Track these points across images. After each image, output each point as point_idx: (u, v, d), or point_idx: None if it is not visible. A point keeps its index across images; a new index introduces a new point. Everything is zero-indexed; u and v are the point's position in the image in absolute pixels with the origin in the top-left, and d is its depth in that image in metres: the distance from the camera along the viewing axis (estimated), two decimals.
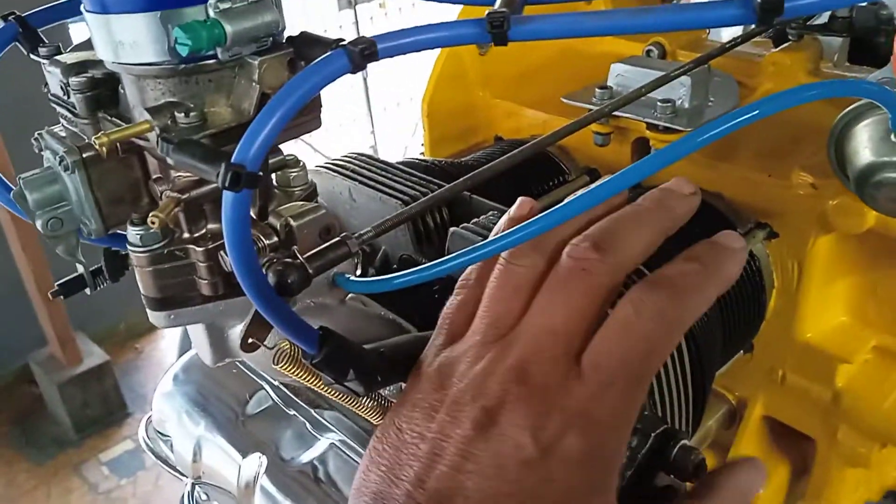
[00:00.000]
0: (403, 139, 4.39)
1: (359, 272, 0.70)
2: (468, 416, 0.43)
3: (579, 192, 0.50)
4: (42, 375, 3.11)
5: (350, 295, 0.67)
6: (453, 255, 0.55)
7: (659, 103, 0.81)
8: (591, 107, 0.87)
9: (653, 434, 0.55)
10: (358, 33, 4.14)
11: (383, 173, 0.81)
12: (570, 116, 0.95)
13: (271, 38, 0.50)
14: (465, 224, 0.72)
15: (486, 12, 0.48)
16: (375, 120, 4.42)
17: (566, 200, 0.52)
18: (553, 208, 0.52)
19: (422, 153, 1.08)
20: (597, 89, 0.87)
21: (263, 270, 0.49)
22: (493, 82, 1.04)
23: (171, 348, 3.45)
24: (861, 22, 0.85)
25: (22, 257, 2.83)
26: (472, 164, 0.91)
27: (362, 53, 0.45)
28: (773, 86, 0.90)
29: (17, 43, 0.62)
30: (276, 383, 0.76)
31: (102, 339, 3.26)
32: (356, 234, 0.55)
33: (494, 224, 0.72)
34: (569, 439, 0.41)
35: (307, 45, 0.50)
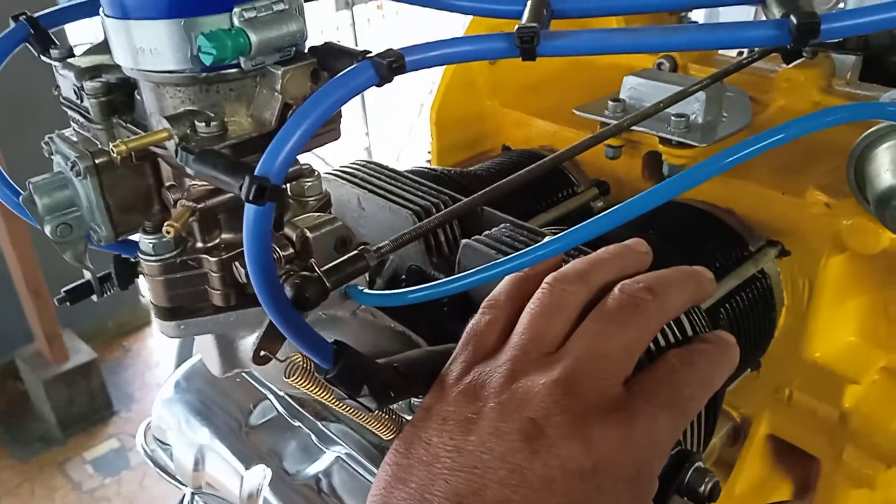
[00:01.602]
0: (398, 140, 4.38)
1: (367, 282, 0.69)
2: (514, 428, 0.42)
3: (608, 210, 0.49)
4: (28, 372, 3.08)
5: (360, 305, 0.66)
6: (471, 271, 0.54)
7: (673, 118, 0.80)
8: (603, 119, 0.86)
9: (670, 449, 0.54)
10: (355, 35, 4.12)
11: (393, 182, 0.79)
12: (579, 127, 0.95)
13: (294, 48, 0.49)
14: (476, 236, 0.71)
15: (516, 27, 0.47)
16: (370, 120, 4.41)
17: (590, 220, 0.51)
18: (578, 225, 0.51)
19: (428, 160, 1.07)
20: (609, 102, 0.86)
21: (280, 282, 0.48)
22: (502, 91, 1.03)
23: (159, 347, 3.42)
24: (876, 40, 0.85)
25: (11, 252, 2.80)
26: (482, 174, 0.90)
27: (390, 66, 0.44)
28: (785, 102, 0.89)
29: (27, 44, 0.60)
30: (280, 394, 0.75)
31: (90, 336, 3.23)
32: (374, 248, 0.55)
33: (506, 236, 0.71)
34: (624, 454, 0.42)
35: (331, 55, 0.49)
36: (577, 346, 0.46)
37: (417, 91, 4.13)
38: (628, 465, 0.42)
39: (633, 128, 0.82)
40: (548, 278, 0.50)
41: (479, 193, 0.63)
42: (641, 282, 0.49)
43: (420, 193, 0.77)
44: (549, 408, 0.42)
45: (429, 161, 1.06)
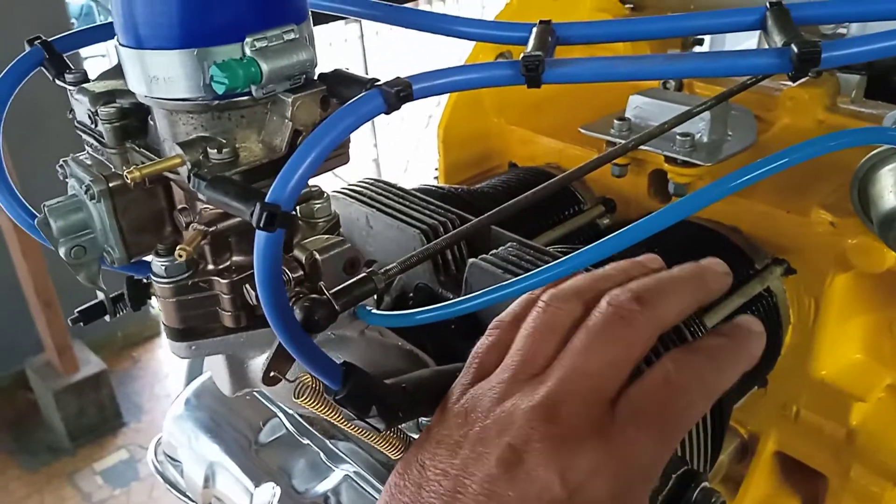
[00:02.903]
0: (406, 152, 4.39)
1: (375, 299, 0.70)
2: (493, 454, 0.42)
3: (617, 231, 0.50)
4: (38, 382, 3.09)
5: (369, 325, 0.66)
6: (478, 292, 0.55)
7: (678, 137, 0.81)
8: (608, 138, 0.87)
9: (674, 475, 0.54)
10: (363, 47, 4.15)
11: (401, 200, 0.80)
12: (585, 145, 0.96)
13: (304, 76, 0.50)
14: (483, 255, 0.72)
15: (521, 55, 0.48)
16: (378, 132, 4.43)
17: (598, 241, 0.52)
18: (587, 247, 0.52)
19: (435, 177, 1.08)
20: (615, 121, 0.87)
21: (290, 305, 0.49)
22: (509, 109, 1.04)
23: (168, 358, 3.44)
24: (880, 61, 0.86)
25: (22, 263, 2.82)
26: (489, 192, 0.91)
27: (398, 95, 0.45)
28: (790, 121, 0.90)
29: (42, 68, 0.61)
30: (290, 412, 0.76)
31: (100, 347, 3.25)
32: (382, 270, 0.55)
33: (513, 255, 0.72)
34: (598, 481, 0.41)
35: (340, 83, 0.50)
36: (560, 366, 0.45)
37: (425, 104, 4.14)
38: (605, 492, 0.41)
39: (639, 147, 0.82)
40: (543, 296, 0.49)
41: (486, 214, 0.63)
42: (631, 290, 0.47)
43: (427, 212, 0.78)
44: (528, 434, 0.42)
45: (436, 178, 1.07)
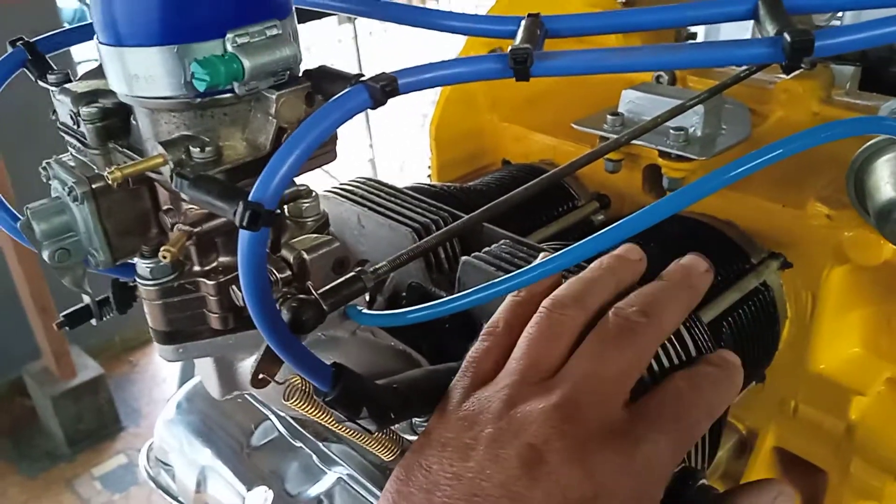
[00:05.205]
0: (402, 151, 4.38)
1: (367, 300, 0.69)
2: (513, 454, 0.42)
3: (610, 227, 0.49)
4: (35, 388, 3.08)
5: (360, 325, 0.65)
6: (470, 290, 0.54)
7: (672, 131, 0.80)
8: (602, 133, 0.86)
9: (671, 473, 0.54)
10: (357, 48, 4.14)
11: (392, 199, 0.79)
12: (578, 141, 0.95)
13: (288, 72, 0.49)
14: (476, 253, 0.71)
15: (509, 48, 0.47)
16: (373, 132, 4.42)
17: (591, 237, 0.51)
18: (579, 242, 0.51)
19: (429, 176, 1.07)
20: (608, 116, 0.86)
21: (277, 306, 0.48)
22: (501, 106, 1.03)
23: (166, 363, 3.42)
24: (874, 51, 0.85)
25: (18, 269, 2.80)
26: (482, 190, 0.90)
27: (383, 90, 0.44)
28: (785, 113, 0.89)
29: (25, 69, 0.60)
30: (282, 414, 0.75)
31: (97, 352, 3.23)
32: (371, 269, 0.54)
33: (506, 253, 0.71)
34: (623, 481, 0.42)
35: (325, 79, 0.49)
36: (574, 369, 0.46)
37: (420, 102, 4.14)
38: (629, 492, 0.42)
39: (633, 141, 0.82)
40: (545, 303, 0.50)
41: (478, 211, 0.63)
42: (635, 304, 0.49)
43: (420, 210, 0.77)
44: (548, 433, 0.42)
45: (429, 176, 1.06)
